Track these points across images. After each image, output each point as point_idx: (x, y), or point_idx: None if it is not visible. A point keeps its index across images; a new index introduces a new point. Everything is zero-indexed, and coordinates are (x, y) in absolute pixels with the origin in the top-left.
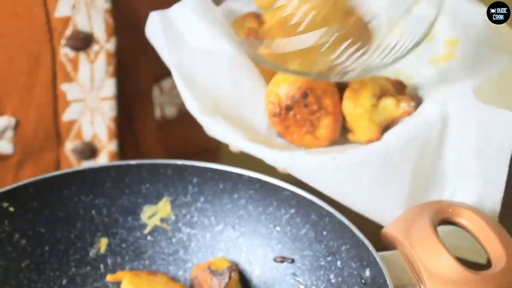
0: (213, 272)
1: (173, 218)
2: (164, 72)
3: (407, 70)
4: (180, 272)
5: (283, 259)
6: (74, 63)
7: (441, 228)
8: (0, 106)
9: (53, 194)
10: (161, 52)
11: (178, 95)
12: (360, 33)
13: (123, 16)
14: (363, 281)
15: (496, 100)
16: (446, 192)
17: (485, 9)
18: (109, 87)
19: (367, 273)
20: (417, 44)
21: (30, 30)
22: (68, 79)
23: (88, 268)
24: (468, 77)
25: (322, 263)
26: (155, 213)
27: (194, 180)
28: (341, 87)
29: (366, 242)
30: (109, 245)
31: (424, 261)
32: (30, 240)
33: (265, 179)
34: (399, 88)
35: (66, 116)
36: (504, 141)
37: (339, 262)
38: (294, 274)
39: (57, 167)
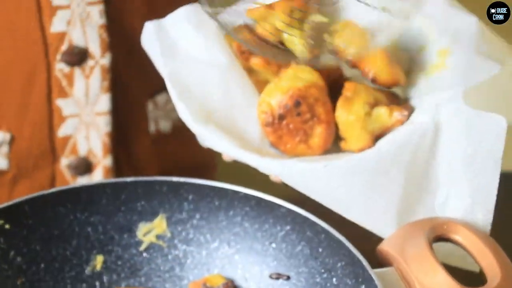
0: None
1: (168, 235)
2: (158, 87)
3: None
4: None
5: (278, 276)
6: (69, 78)
7: None
8: None
9: (48, 212)
10: (156, 61)
11: (172, 109)
12: None
13: (118, 31)
14: None
15: (485, 105)
16: (438, 198)
17: (475, 19)
18: (104, 102)
19: None
20: None
21: (26, 46)
22: (63, 94)
23: (84, 285)
24: (458, 85)
25: (318, 280)
26: (151, 230)
27: (190, 197)
28: (334, 96)
29: (362, 259)
30: (104, 262)
31: (419, 278)
32: (25, 258)
33: (260, 196)
34: (392, 99)
35: (62, 131)
36: (494, 145)
37: (334, 279)
38: None
39: (52, 183)
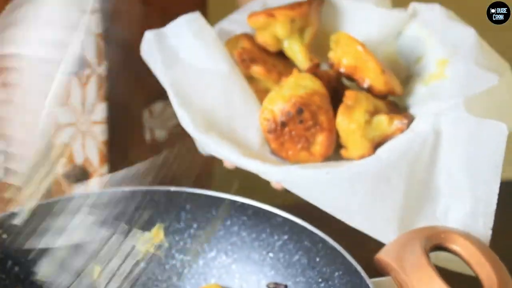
0: None
1: (166, 244)
2: (154, 96)
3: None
4: None
5: (276, 286)
6: (66, 86)
7: None
8: None
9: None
10: (156, 70)
11: (168, 118)
12: None
13: (114, 40)
14: None
15: (485, 113)
16: (439, 206)
17: (473, 31)
18: (101, 110)
19: None
20: None
21: None
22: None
23: None
24: (458, 94)
25: None
26: (148, 240)
27: (187, 207)
28: (335, 104)
29: (359, 268)
30: (102, 272)
31: (416, 287)
32: (23, 267)
33: (258, 206)
34: (392, 107)
35: (58, 140)
36: (495, 153)
37: None
38: None
39: (48, 191)
